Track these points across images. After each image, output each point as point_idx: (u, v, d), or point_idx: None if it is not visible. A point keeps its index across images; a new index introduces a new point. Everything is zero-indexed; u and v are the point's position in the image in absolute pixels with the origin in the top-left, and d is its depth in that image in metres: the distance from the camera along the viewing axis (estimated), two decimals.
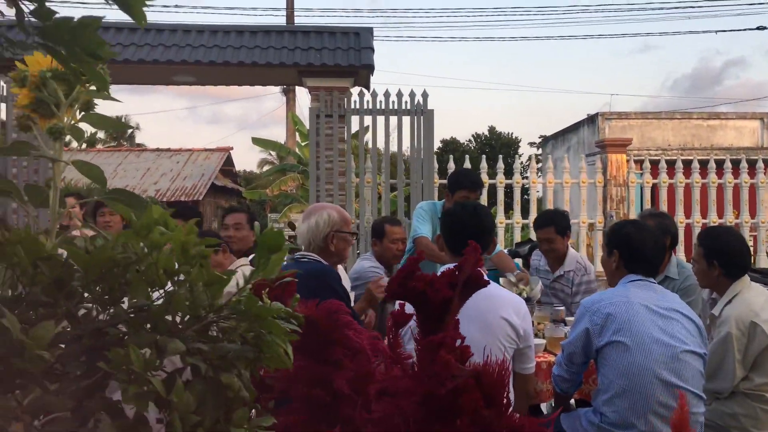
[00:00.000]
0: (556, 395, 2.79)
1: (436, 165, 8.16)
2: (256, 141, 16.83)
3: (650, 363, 2.35)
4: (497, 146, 28.48)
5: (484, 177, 8.35)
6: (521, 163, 8.86)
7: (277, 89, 18.50)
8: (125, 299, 0.85)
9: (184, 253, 0.74)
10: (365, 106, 7.85)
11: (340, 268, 3.46)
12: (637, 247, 2.58)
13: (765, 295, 2.91)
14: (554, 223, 4.05)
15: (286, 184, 15.86)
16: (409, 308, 1.37)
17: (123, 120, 34.92)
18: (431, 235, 3.95)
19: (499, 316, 2.35)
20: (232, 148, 22.09)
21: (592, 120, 17.93)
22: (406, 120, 7.89)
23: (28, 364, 0.66)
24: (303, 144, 15.49)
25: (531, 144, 32.46)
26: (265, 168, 24.42)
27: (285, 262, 3.14)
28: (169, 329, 0.77)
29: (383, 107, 7.83)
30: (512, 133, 31.07)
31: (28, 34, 0.76)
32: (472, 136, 31.44)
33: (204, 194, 19.19)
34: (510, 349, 2.37)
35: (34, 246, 0.83)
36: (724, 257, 2.89)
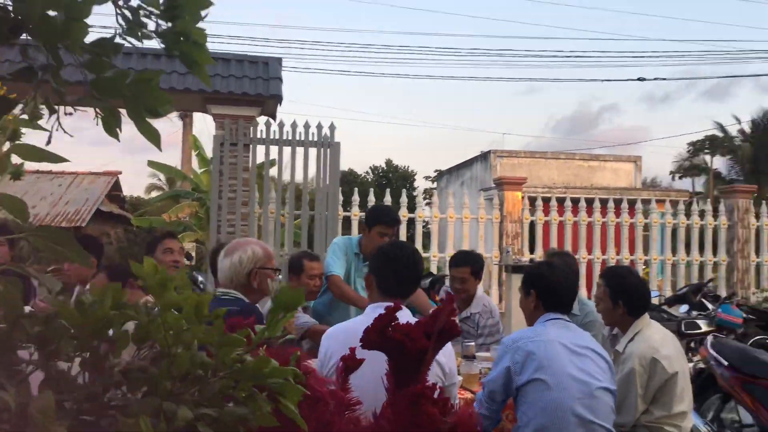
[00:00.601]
0: None
1: (341, 197, 8.20)
2: (153, 164, 16.21)
3: (568, 400, 2.46)
4: (394, 179, 28.99)
5: (404, 211, 8.47)
6: (423, 197, 9.12)
7: (173, 113, 17.98)
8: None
9: (197, 313, 0.72)
10: (272, 136, 7.79)
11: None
12: (553, 288, 2.71)
13: (662, 332, 3.14)
14: (471, 264, 4.13)
15: (182, 211, 15.33)
16: (360, 353, 1.37)
17: None
18: (344, 274, 3.95)
19: None
20: (120, 173, 21.06)
21: (484, 157, 18.70)
22: (312, 151, 7.90)
23: None
24: (201, 171, 15.08)
25: (426, 178, 33.30)
26: (154, 194, 23.52)
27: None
28: (169, 392, 0.74)
29: (290, 138, 7.80)
30: (408, 167, 31.81)
31: (62, 86, 0.72)
32: (370, 168, 31.91)
33: (88, 220, 18.13)
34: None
35: (11, 303, 0.77)
36: (628, 297, 3.09)
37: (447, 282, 7.68)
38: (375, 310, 2.53)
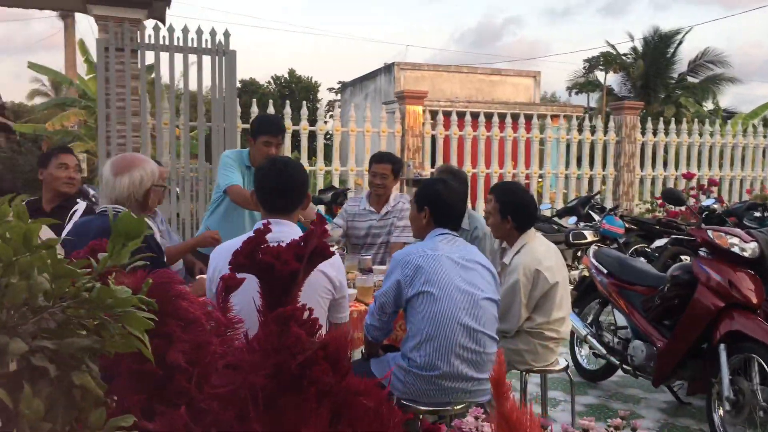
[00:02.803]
0: (366, 342, 2.93)
1: (238, 109, 7.91)
2: (34, 66, 14.94)
3: (454, 310, 2.55)
4: (297, 90, 28.21)
5: (288, 123, 8.30)
6: (325, 109, 8.94)
7: (53, 12, 16.47)
8: None
9: (26, 243, 0.65)
10: (161, 42, 7.31)
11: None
12: (446, 205, 2.75)
13: (546, 244, 3.29)
14: (392, 162, 4.25)
15: (68, 120, 14.36)
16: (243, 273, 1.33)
17: None
18: (243, 183, 3.85)
19: (315, 269, 2.38)
20: None
21: (388, 69, 18.51)
22: (206, 60, 7.51)
23: None
24: (88, 76, 14.09)
25: (330, 89, 32.63)
26: (37, 100, 21.87)
27: (87, 217, 2.88)
28: (3, 325, 0.67)
29: (181, 44, 7.36)
30: (312, 77, 30.98)
31: None
32: (272, 78, 30.81)
33: None
34: (326, 300, 2.42)
35: None
36: (516, 212, 3.20)
37: (348, 196, 7.70)
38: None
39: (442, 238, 2.72)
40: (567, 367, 3.34)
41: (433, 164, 9.17)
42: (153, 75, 8.31)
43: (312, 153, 9.55)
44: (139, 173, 2.71)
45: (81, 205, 3.49)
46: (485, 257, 2.79)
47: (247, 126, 8.32)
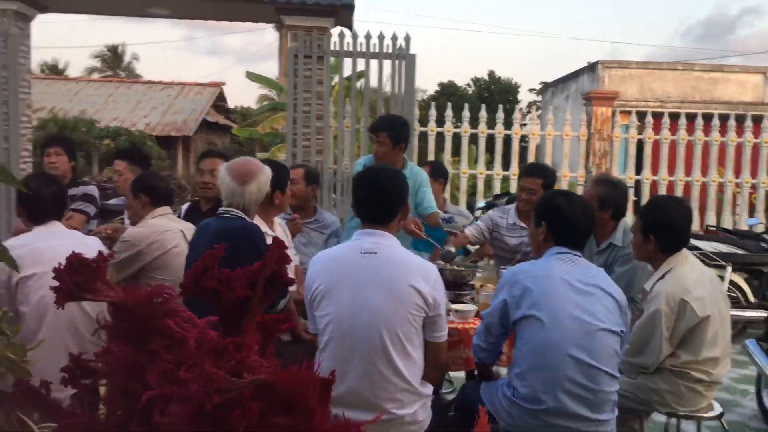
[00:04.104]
0: (476, 364, 2.74)
1: (417, 111, 7.96)
2: (250, 75, 16.43)
3: (563, 340, 2.27)
4: (496, 92, 27.79)
5: (465, 126, 8.18)
6: (520, 109, 8.59)
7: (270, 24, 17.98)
8: None
9: None
10: (346, 48, 7.61)
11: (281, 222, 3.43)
12: (566, 220, 2.47)
13: (699, 270, 2.81)
14: (543, 177, 3.82)
15: (277, 123, 15.54)
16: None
17: (119, 49, 34.10)
18: None
19: (407, 284, 2.26)
20: (224, 84, 21.67)
21: (592, 68, 17.48)
22: (387, 64, 7.67)
23: None
24: None
25: (531, 90, 31.75)
26: (265, 104, 24.04)
27: (210, 219, 3.04)
28: None
29: (364, 50, 7.59)
30: (512, 79, 30.32)
31: None
32: (471, 80, 30.69)
33: (195, 130, 18.94)
34: (418, 317, 2.29)
35: None
36: (661, 232, 2.78)
37: None
38: (359, 236, 2.44)
39: (560, 257, 2.44)
40: (722, 414, 2.84)
41: (638, 171, 8.42)
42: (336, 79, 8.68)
43: (504, 158, 9.28)
44: (264, 178, 2.84)
45: None
46: (610, 281, 2.45)
47: (425, 129, 8.34)
